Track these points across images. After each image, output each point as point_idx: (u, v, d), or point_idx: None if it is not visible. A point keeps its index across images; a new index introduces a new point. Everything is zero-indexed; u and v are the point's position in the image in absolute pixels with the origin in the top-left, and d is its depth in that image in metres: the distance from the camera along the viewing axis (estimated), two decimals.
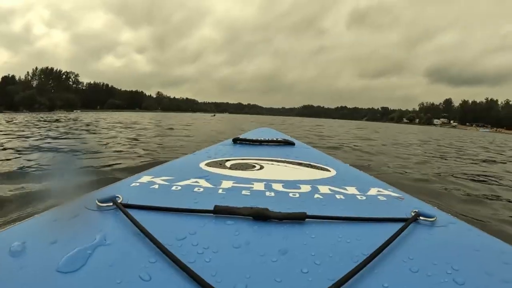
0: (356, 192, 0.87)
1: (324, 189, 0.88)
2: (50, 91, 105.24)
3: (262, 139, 1.84)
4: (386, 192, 0.88)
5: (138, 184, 0.85)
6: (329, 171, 1.14)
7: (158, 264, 0.44)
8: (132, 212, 0.58)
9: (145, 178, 0.90)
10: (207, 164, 1.15)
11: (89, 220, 0.60)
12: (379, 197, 0.84)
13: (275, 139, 1.87)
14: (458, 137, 15.51)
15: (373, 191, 0.88)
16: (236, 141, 1.78)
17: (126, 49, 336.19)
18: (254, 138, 1.83)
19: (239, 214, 0.61)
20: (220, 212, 0.61)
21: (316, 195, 0.81)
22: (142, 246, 0.49)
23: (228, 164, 1.17)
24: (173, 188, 0.82)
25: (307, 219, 0.60)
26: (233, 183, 0.90)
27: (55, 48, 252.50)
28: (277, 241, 0.53)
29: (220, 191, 0.81)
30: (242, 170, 1.08)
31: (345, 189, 0.89)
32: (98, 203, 0.65)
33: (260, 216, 0.60)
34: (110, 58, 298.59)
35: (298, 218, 0.60)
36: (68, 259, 0.44)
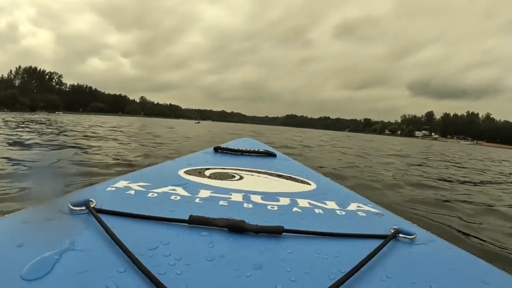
0: (335, 206, 0.85)
1: (303, 202, 0.86)
2: (32, 91, 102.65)
3: (244, 149, 1.82)
4: (366, 208, 0.87)
5: (114, 189, 0.81)
6: (309, 184, 1.12)
7: (127, 274, 0.42)
8: (104, 218, 0.56)
9: (121, 183, 0.87)
10: (186, 172, 1.12)
11: (60, 224, 0.58)
12: (358, 212, 0.83)
13: (256, 149, 1.84)
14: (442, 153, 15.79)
15: (353, 206, 0.87)
16: (217, 149, 1.76)
17: (112, 52, 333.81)
18: (235, 148, 1.81)
19: (214, 225, 0.58)
20: (195, 222, 0.59)
21: (295, 209, 0.79)
22: (112, 254, 0.47)
23: (207, 172, 1.15)
24: (149, 195, 0.79)
25: (284, 233, 0.59)
26: (211, 192, 0.87)
27: (40, 48, 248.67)
28: (252, 255, 0.51)
29: (197, 200, 0.79)
30: (221, 179, 1.06)
31: (325, 204, 0.87)
32: (71, 207, 0.62)
33: (236, 228, 0.58)
34: (95, 60, 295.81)
35: (275, 232, 0.58)
36: (33, 265, 0.42)
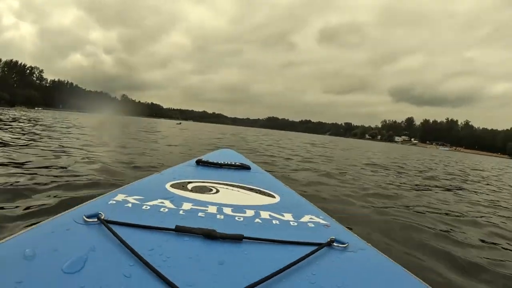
0: (291, 218, 1.02)
1: (264, 214, 1.04)
2: (12, 86, 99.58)
3: (222, 162, 2.03)
4: (316, 220, 1.03)
5: (114, 202, 1.00)
6: (274, 197, 1.33)
7: (136, 268, 0.61)
8: (113, 227, 0.74)
9: (120, 197, 1.05)
10: (172, 186, 1.31)
11: (79, 232, 0.75)
12: (309, 223, 0.98)
13: (233, 162, 2.06)
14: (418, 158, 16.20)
15: (305, 218, 1.03)
16: (199, 162, 1.97)
17: (94, 48, 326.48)
18: (214, 161, 2.02)
19: (194, 233, 0.78)
20: (180, 230, 0.78)
21: (257, 220, 0.97)
22: (123, 254, 0.65)
23: (189, 186, 1.35)
24: (143, 207, 0.98)
25: (244, 240, 0.77)
26: (192, 205, 1.07)
27: (22, 41, 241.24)
28: (219, 256, 0.70)
29: (181, 212, 0.98)
30: (200, 193, 1.26)
31: (282, 216, 1.04)
32: (85, 218, 0.80)
33: (209, 235, 0.77)
34: (77, 56, 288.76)
35: (237, 238, 0.77)
36: (70, 263, 0.59)
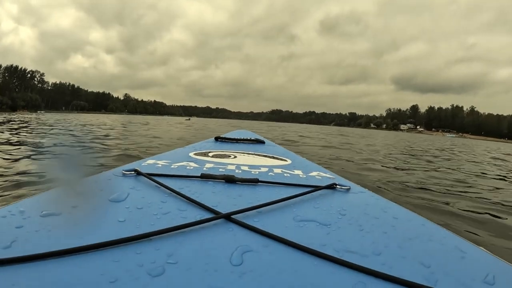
0: (300, 173, 1.14)
1: (277, 170, 1.18)
2: (14, 90, 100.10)
3: (239, 137, 2.21)
4: (323, 175, 1.14)
5: (147, 164, 1.14)
6: (286, 161, 1.47)
7: (170, 197, 0.74)
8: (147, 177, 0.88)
9: (150, 161, 1.19)
10: (195, 154, 1.46)
11: (120, 181, 0.88)
12: (316, 176, 1.10)
13: (249, 138, 2.25)
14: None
15: (314, 173, 1.15)
16: (217, 139, 2.16)
17: (95, 49, 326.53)
18: (232, 137, 2.20)
19: (215, 178, 0.91)
20: (205, 177, 0.92)
21: (270, 173, 1.11)
22: (158, 190, 0.79)
23: (210, 154, 1.49)
24: (172, 166, 1.12)
25: (259, 183, 0.91)
26: (213, 165, 1.21)
27: (22, 46, 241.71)
28: (239, 191, 0.83)
29: (204, 168, 1.12)
30: (220, 158, 1.40)
31: (293, 171, 1.17)
32: (124, 172, 0.93)
33: (229, 179, 0.90)
34: (78, 57, 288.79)
35: (253, 181, 0.91)
36: (116, 195, 0.72)
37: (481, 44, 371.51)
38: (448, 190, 3.75)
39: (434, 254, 0.53)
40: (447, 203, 3.00)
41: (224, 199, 0.77)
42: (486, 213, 2.76)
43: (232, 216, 0.61)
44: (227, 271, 0.43)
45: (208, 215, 0.62)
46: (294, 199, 0.76)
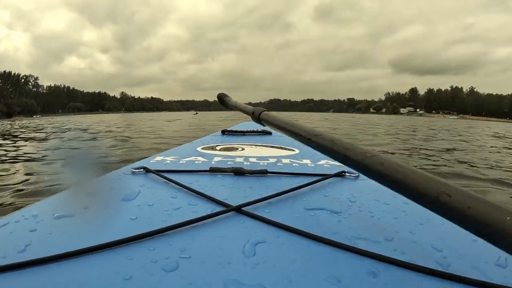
0: (309, 162, 1.15)
1: (285, 160, 1.17)
2: (8, 97, 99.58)
3: (245, 130, 2.21)
4: (332, 163, 1.12)
5: (155, 161, 1.13)
6: (294, 150, 1.45)
7: (180, 193, 0.75)
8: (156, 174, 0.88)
9: (158, 158, 1.19)
10: (202, 148, 1.45)
11: (129, 179, 0.88)
12: (325, 165, 1.10)
13: (255, 129, 2.21)
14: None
15: (322, 162, 1.14)
16: (224, 132, 2.16)
17: (89, 49, 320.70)
18: (238, 130, 2.19)
19: (224, 171, 0.92)
20: (214, 170, 0.93)
21: (278, 164, 1.11)
22: (167, 186, 0.80)
23: (218, 147, 1.49)
24: (180, 162, 1.11)
25: (268, 174, 0.92)
26: (222, 158, 1.21)
27: (15, 51, 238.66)
28: (248, 183, 0.84)
29: (213, 162, 1.12)
30: (228, 151, 1.38)
31: (301, 161, 1.17)
32: (133, 170, 0.93)
33: (238, 172, 0.90)
34: (73, 59, 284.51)
35: (262, 173, 0.92)
36: (126, 194, 0.73)
37: (479, 23, 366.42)
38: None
39: (446, 238, 0.53)
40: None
41: (234, 191, 0.78)
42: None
43: (243, 208, 0.62)
44: (240, 263, 0.44)
45: (218, 209, 0.63)
46: (304, 188, 0.77)
